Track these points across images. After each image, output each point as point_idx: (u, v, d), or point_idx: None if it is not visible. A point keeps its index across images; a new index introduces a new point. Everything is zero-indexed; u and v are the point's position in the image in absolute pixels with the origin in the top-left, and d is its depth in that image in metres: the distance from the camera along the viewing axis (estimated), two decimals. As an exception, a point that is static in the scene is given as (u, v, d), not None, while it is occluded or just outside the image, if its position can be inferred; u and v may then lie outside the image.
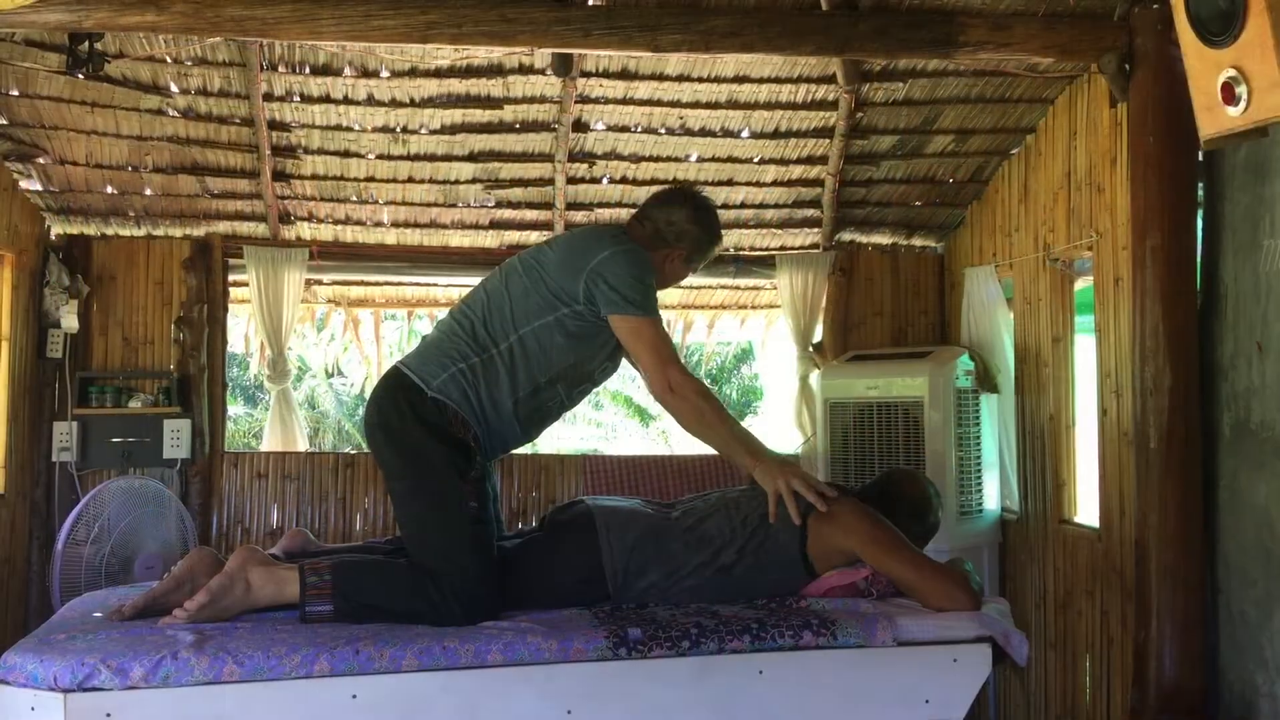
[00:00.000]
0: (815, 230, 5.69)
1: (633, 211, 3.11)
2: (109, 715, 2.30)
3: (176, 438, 5.25)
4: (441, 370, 2.80)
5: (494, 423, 2.83)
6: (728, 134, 5.30)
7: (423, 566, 2.69)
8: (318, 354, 13.65)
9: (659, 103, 5.12)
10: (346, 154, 5.28)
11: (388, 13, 3.64)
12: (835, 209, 5.56)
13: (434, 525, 2.74)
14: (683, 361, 2.96)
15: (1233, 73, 2.44)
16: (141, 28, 3.66)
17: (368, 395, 3.04)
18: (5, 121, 4.85)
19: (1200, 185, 3.64)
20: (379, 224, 5.57)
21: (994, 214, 5.30)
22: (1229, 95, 2.46)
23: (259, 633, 2.51)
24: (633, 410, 14.50)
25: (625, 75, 4.97)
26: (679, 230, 3.01)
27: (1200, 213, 3.64)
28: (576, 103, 5.09)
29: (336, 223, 5.55)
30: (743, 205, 5.61)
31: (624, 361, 3.04)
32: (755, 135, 5.31)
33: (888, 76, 4.93)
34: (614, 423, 14.82)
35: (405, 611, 2.64)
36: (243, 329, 6.13)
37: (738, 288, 6.08)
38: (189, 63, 4.82)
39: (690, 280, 5.93)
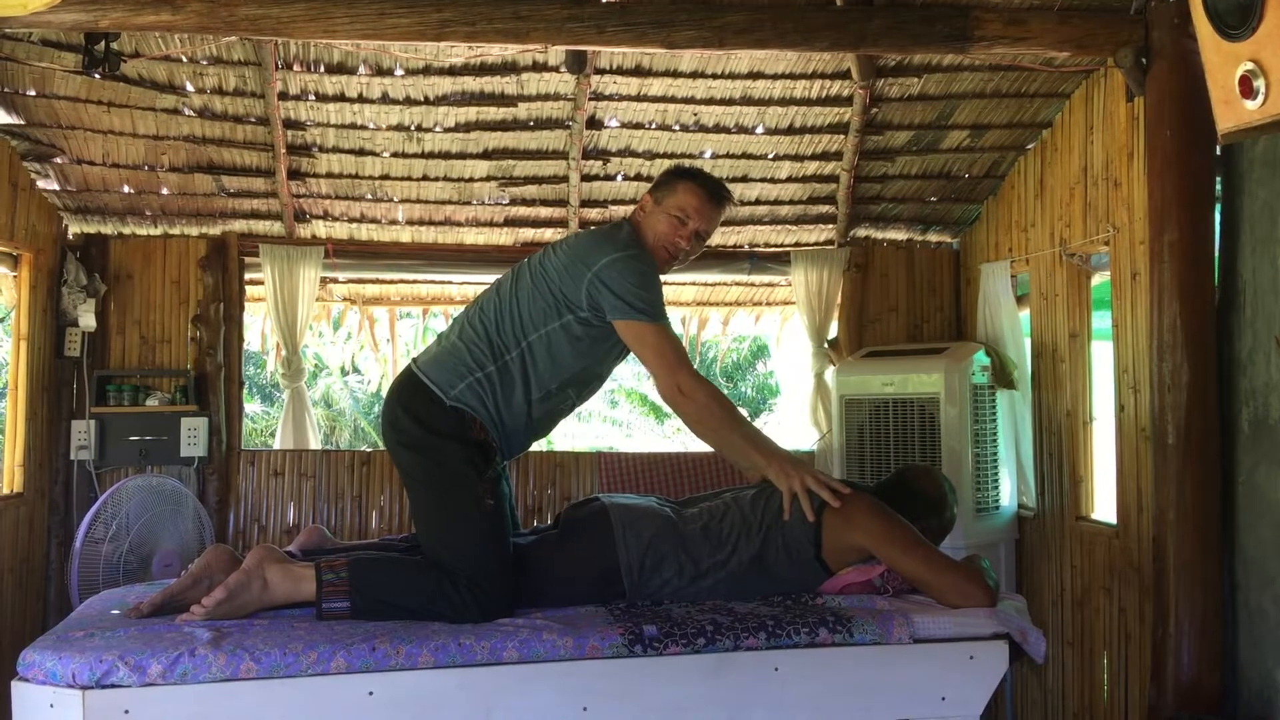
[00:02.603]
0: (830, 226, 5.68)
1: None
2: (127, 712, 2.31)
3: (193, 436, 5.27)
4: (459, 380, 2.81)
5: (510, 426, 2.85)
6: (742, 130, 5.28)
7: (438, 564, 2.70)
8: (334, 352, 13.70)
9: (673, 99, 5.11)
10: (361, 152, 5.29)
11: (402, 11, 3.65)
12: (850, 205, 5.55)
13: (450, 523, 2.75)
14: (692, 363, 2.92)
15: (1250, 66, 2.42)
16: (157, 27, 3.67)
17: (384, 393, 3.05)
18: (22, 122, 4.87)
19: (1218, 179, 3.61)
20: (394, 222, 5.58)
21: (1010, 209, 5.27)
22: (1247, 88, 2.44)
23: (276, 630, 2.52)
24: (648, 407, 14.50)
25: (639, 72, 4.97)
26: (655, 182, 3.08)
27: (1218, 207, 3.62)
28: (590, 100, 5.08)
29: (351, 221, 5.56)
30: (757, 201, 5.60)
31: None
32: (770, 131, 5.30)
33: (902, 72, 4.91)
34: (629, 420, 14.83)
35: (421, 608, 2.65)
36: (259, 327, 6.15)
37: (752, 284, 6.06)
38: (204, 62, 4.84)
39: (706, 276, 5.94)
